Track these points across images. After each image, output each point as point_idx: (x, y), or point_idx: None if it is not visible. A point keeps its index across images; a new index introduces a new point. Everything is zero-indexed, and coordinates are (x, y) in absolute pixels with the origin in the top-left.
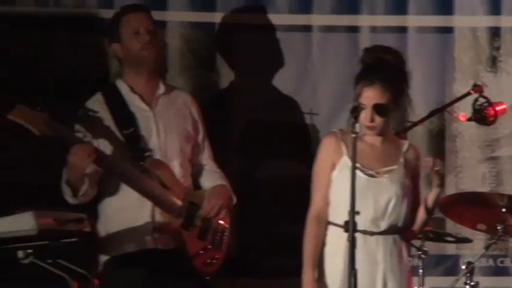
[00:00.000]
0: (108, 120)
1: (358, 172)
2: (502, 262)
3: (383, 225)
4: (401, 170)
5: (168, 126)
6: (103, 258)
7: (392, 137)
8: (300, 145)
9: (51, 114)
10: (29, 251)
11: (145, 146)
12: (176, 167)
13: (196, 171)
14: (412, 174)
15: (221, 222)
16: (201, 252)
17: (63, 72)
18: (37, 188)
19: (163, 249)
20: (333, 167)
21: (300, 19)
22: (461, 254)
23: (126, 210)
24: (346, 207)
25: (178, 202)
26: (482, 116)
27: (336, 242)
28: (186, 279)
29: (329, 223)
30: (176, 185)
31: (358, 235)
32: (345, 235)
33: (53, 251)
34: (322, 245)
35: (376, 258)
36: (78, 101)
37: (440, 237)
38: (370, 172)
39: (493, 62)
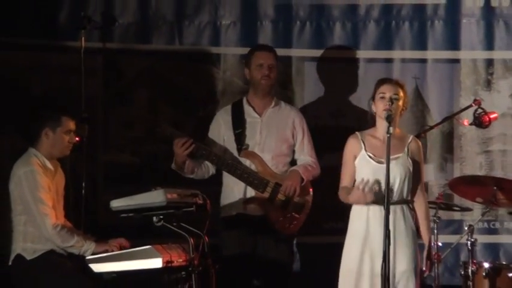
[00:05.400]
0: (229, 123)
1: (370, 160)
2: (493, 225)
3: (392, 198)
4: (405, 157)
5: (269, 130)
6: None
7: (400, 132)
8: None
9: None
10: (161, 217)
11: (245, 142)
12: (269, 158)
13: (297, 163)
14: (414, 159)
15: (306, 198)
16: (281, 218)
17: (178, 91)
18: (166, 171)
19: (252, 215)
20: (355, 158)
21: (347, 53)
22: (464, 219)
23: (227, 187)
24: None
25: (264, 182)
26: (480, 121)
27: (357, 211)
28: (271, 237)
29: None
30: (264, 170)
31: (375, 206)
32: (364, 208)
33: (176, 217)
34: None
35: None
36: (189, 109)
37: (449, 207)
38: (380, 159)
39: (488, 84)
